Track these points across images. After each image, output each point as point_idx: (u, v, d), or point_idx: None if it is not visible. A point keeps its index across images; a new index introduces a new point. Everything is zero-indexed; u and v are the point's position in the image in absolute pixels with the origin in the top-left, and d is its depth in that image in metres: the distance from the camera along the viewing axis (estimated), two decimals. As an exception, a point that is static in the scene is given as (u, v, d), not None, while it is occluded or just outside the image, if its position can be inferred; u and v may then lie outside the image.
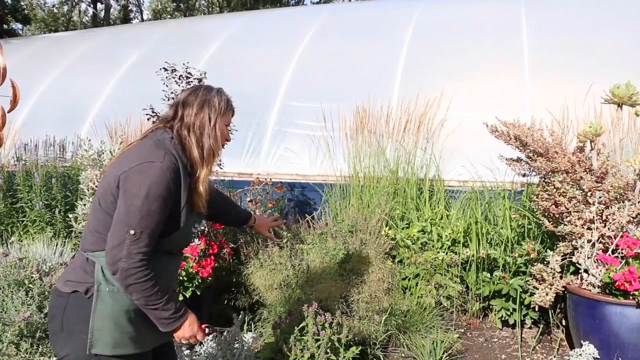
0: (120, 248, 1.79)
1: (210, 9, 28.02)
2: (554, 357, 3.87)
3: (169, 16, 27.84)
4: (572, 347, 3.87)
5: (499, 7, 7.58)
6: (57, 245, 4.63)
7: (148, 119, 5.40)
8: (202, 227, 4.18)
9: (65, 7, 28.08)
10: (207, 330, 2.05)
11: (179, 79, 5.33)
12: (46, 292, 3.79)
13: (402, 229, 4.76)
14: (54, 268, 4.14)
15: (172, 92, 5.32)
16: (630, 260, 3.45)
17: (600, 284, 3.57)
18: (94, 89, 8.28)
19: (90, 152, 4.43)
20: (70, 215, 4.69)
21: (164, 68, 5.38)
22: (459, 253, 4.42)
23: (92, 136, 6.05)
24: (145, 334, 1.96)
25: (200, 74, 5.39)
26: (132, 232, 1.79)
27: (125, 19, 28.13)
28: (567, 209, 3.80)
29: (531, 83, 6.06)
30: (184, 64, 5.41)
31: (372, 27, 7.99)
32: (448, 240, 4.51)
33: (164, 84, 5.35)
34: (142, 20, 28.94)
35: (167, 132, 2.01)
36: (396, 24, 7.70)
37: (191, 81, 5.29)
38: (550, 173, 3.94)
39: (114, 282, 1.86)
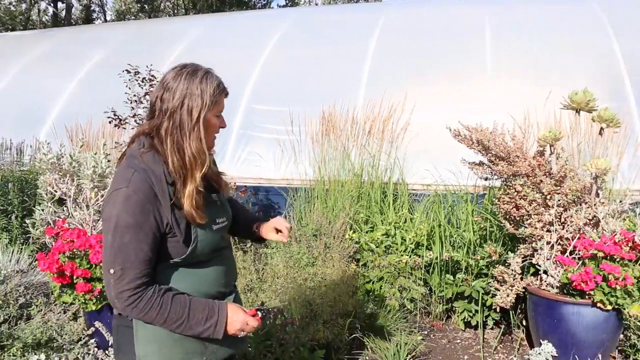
0: (109, 290, 1.65)
1: (175, 11, 27.73)
2: (515, 356, 3.94)
3: (133, 17, 27.42)
4: (532, 346, 3.94)
5: (463, 12, 7.72)
6: (12, 252, 4.49)
7: (110, 122, 5.32)
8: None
9: (24, 5, 27.39)
10: (258, 315, 1.89)
11: (142, 81, 5.26)
12: (0, 301, 3.68)
13: (366, 232, 4.78)
14: (9, 276, 4.03)
15: (134, 95, 5.25)
16: (586, 261, 3.53)
17: (558, 285, 3.65)
18: (54, 90, 8.11)
19: (49, 155, 4.31)
20: (28, 221, 4.54)
21: (126, 70, 5.30)
22: (423, 256, 4.46)
23: (51, 139, 5.92)
24: (200, 353, 1.80)
25: (164, 77, 5.34)
26: (111, 271, 1.62)
27: (88, 19, 27.58)
28: (528, 211, 3.87)
29: (494, 87, 6.18)
30: (147, 67, 5.35)
31: (338, 31, 8.03)
32: (412, 244, 4.54)
33: (126, 86, 5.28)
34: (105, 21, 28.45)
35: (139, 141, 1.75)
36: (362, 28, 7.76)
37: (154, 84, 5.23)
38: (511, 177, 4.01)
39: None
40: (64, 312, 3.81)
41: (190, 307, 1.72)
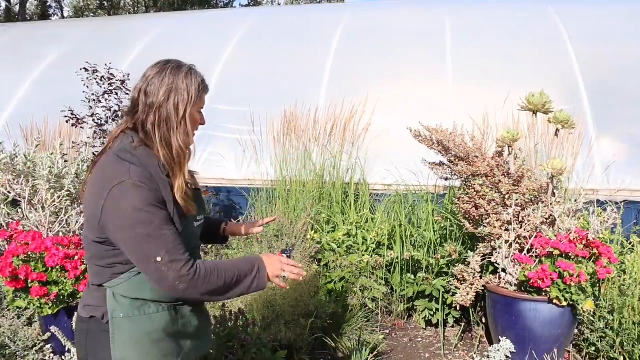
0: (165, 281, 1.60)
1: (136, 9, 27.26)
2: (475, 353, 4.00)
3: (91, 14, 26.84)
4: (491, 343, 4.01)
5: (424, 15, 7.81)
6: (-37, 255, 4.33)
7: (67, 122, 5.19)
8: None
9: (-25, 0, 26.49)
10: (284, 256, 1.91)
11: (101, 80, 5.16)
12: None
13: (328, 232, 4.80)
14: (-42, 280, 3.89)
15: (93, 94, 5.14)
16: (543, 259, 3.62)
17: (516, 282, 3.73)
18: (8, 87, 7.86)
19: (2, 155, 4.18)
20: (-21, 223, 4.40)
21: (84, 68, 5.19)
22: (384, 255, 4.49)
23: (4, 138, 5.76)
24: (176, 354, 1.77)
25: (124, 76, 5.24)
26: (159, 259, 1.58)
27: (44, 15, 26.85)
28: (487, 211, 3.94)
29: (454, 89, 6.27)
30: (106, 65, 5.24)
31: (300, 31, 8.02)
32: (373, 243, 4.57)
33: (84, 85, 5.16)
34: (63, 17, 27.77)
35: (127, 136, 1.71)
36: (324, 29, 7.77)
37: (113, 82, 5.14)
38: (470, 177, 4.08)
39: (130, 307, 1.68)
40: (18, 318, 3.71)
41: (234, 263, 1.74)
